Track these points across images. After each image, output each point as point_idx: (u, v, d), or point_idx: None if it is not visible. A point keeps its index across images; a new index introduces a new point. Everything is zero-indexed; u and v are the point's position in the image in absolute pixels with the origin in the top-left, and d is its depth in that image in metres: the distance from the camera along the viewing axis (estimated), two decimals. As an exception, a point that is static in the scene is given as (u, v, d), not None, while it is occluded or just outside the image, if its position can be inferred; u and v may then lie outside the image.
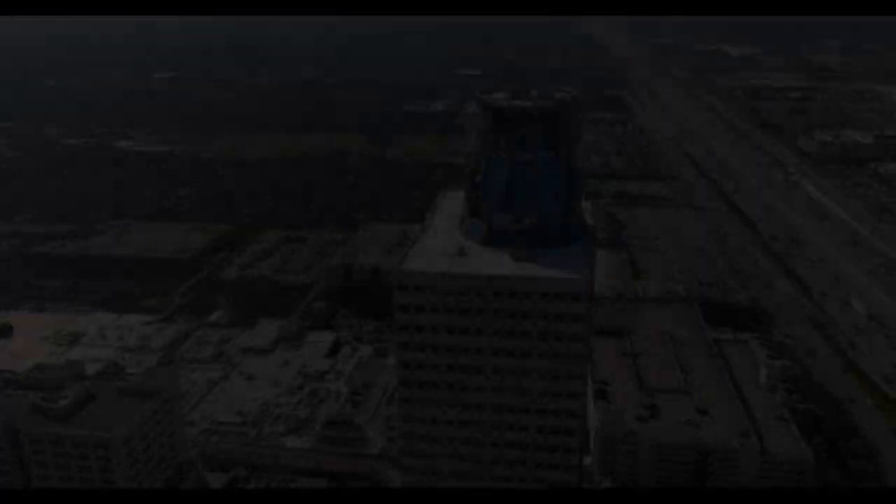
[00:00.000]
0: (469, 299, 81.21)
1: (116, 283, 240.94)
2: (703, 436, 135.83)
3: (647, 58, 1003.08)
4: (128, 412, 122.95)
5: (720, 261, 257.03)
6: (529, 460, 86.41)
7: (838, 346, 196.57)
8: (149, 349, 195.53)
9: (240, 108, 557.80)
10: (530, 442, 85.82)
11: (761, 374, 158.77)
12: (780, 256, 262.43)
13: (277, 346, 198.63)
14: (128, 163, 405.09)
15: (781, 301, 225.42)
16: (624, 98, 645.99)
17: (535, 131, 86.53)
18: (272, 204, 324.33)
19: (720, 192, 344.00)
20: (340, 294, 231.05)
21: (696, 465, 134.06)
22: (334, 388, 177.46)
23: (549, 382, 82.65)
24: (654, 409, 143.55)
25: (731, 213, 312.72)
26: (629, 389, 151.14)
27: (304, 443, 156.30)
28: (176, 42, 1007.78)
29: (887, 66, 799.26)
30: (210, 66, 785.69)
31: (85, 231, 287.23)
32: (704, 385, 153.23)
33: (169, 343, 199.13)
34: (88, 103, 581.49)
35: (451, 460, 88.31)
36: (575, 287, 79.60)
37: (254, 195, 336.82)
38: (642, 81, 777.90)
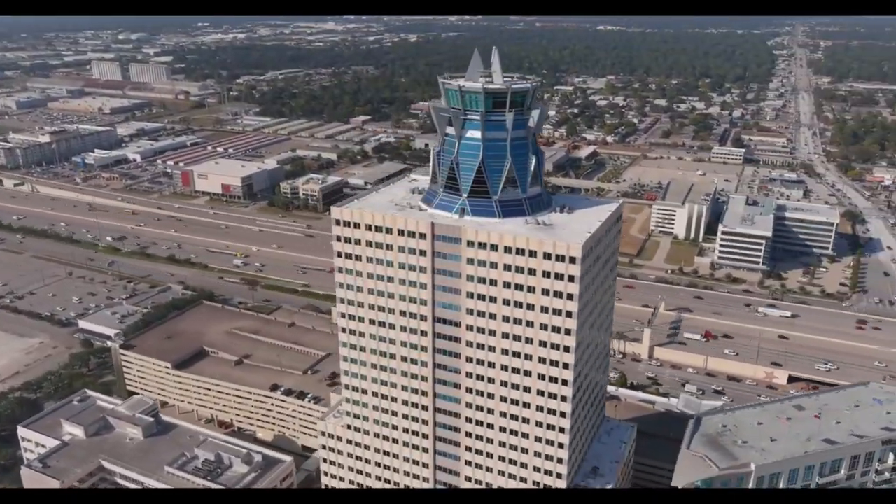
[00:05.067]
0: (600, 248, 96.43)
1: None
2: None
3: None
4: None
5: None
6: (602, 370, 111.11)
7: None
8: None
9: None
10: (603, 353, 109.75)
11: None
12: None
13: None
14: None
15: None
16: None
17: (508, 111, 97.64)
18: None
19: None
20: None
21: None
22: None
23: (609, 298, 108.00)
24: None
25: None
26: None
27: None
28: None
29: None
30: None
31: None
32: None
33: None
34: None
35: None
36: (619, 211, 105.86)
37: None
38: None
